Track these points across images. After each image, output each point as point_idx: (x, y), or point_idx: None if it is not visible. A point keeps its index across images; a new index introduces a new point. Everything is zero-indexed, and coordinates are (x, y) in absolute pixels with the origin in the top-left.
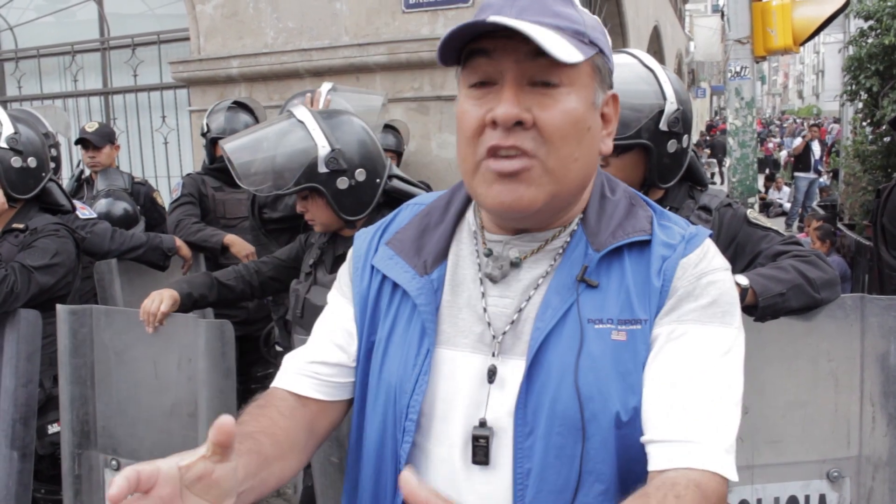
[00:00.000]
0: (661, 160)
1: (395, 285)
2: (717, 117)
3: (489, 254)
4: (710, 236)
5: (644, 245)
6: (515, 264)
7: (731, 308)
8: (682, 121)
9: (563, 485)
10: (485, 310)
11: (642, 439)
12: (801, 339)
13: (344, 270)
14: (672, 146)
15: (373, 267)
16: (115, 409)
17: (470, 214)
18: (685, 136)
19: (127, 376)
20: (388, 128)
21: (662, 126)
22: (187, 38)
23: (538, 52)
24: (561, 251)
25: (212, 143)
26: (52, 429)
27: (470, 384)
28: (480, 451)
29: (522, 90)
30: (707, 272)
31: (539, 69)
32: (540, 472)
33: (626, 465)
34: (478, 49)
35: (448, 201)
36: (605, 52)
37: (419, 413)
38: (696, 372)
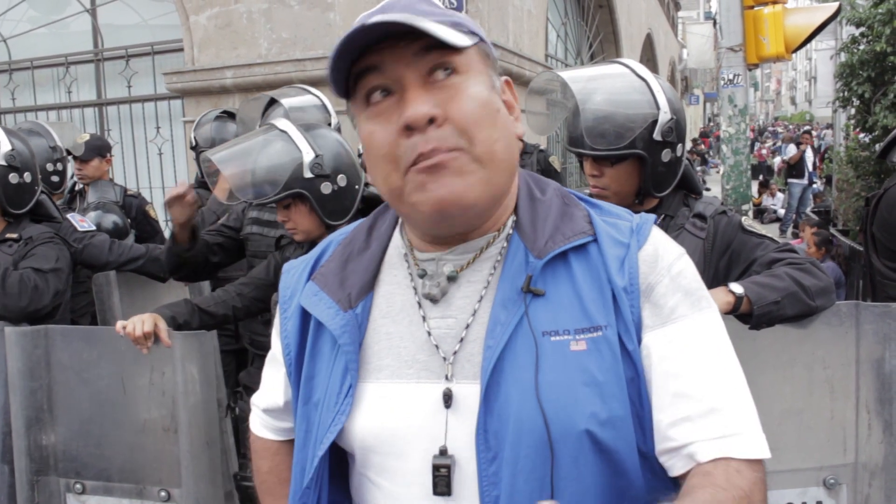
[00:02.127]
0: (655, 169)
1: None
2: (711, 124)
3: (423, 274)
4: (655, 221)
5: (588, 246)
6: (452, 278)
7: (703, 290)
8: (676, 130)
9: None
10: (429, 333)
11: (664, 447)
12: (796, 346)
13: (275, 310)
14: (666, 155)
15: (301, 306)
16: (78, 431)
17: (397, 238)
18: (679, 145)
19: (91, 396)
20: None
21: (656, 136)
22: (181, 49)
23: (426, 49)
24: (499, 259)
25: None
26: None
27: (424, 414)
28: (442, 481)
29: (424, 89)
30: (672, 262)
31: (433, 63)
32: (509, 499)
33: (607, 481)
34: (365, 68)
35: (370, 226)
36: (485, 40)
37: (376, 452)
38: (707, 368)
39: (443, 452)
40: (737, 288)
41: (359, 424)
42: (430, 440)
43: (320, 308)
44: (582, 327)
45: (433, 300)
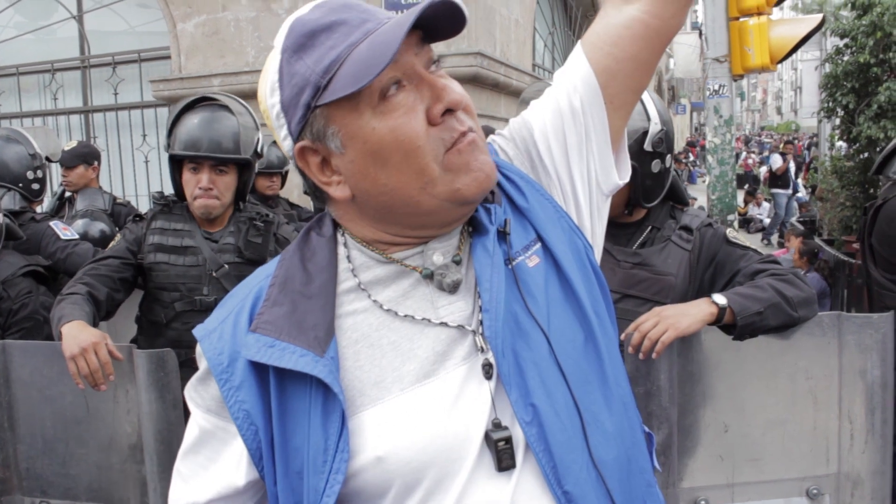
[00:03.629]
0: (644, 180)
1: (281, 372)
2: (697, 133)
3: (430, 274)
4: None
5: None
6: (458, 262)
7: None
8: (666, 141)
9: (572, 430)
10: (445, 323)
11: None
12: (779, 356)
13: (198, 385)
14: (656, 166)
15: (250, 363)
16: (42, 449)
17: (343, 259)
18: (668, 156)
19: (54, 413)
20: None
21: (647, 147)
22: (168, 57)
23: (423, 40)
24: (470, 230)
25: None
26: None
27: (466, 400)
28: (506, 454)
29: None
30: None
31: (430, 54)
32: (547, 414)
33: (616, 378)
34: None
35: (302, 256)
36: None
37: (433, 465)
38: None
39: (497, 426)
40: (720, 299)
41: (404, 445)
42: (473, 426)
43: (290, 358)
44: (524, 245)
45: (454, 289)
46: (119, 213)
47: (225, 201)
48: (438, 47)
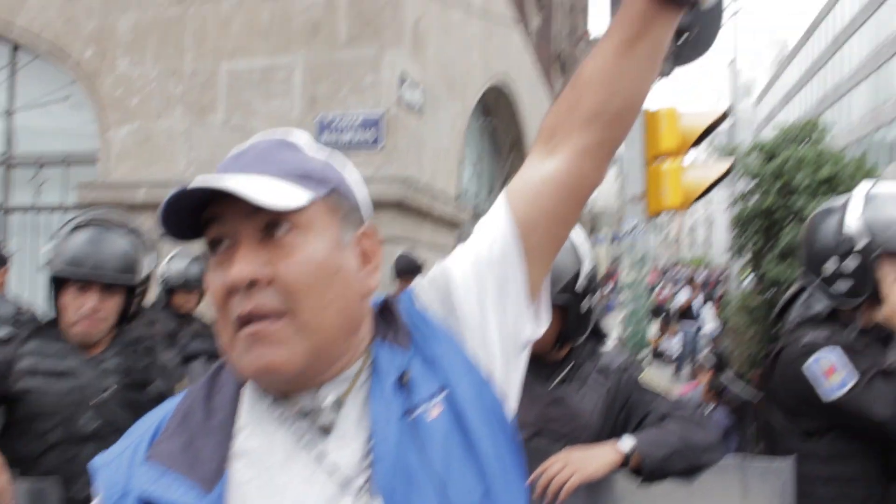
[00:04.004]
0: (574, 319)
1: None
2: (614, 264)
3: (307, 412)
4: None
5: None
6: (340, 404)
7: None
8: (595, 279)
9: None
10: (334, 468)
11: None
12: (686, 500)
13: None
14: (585, 304)
15: (140, 499)
16: None
17: (246, 397)
18: (597, 293)
19: None
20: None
21: (579, 287)
22: (95, 161)
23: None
24: (368, 374)
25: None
26: None
27: None
28: None
29: (257, 246)
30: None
31: (267, 220)
32: None
33: None
34: (208, 217)
35: (208, 391)
36: (341, 189)
37: None
38: None
39: None
40: (626, 444)
41: None
42: None
43: (176, 492)
44: (429, 394)
45: (327, 431)
46: (21, 324)
47: (108, 326)
48: (367, 170)
